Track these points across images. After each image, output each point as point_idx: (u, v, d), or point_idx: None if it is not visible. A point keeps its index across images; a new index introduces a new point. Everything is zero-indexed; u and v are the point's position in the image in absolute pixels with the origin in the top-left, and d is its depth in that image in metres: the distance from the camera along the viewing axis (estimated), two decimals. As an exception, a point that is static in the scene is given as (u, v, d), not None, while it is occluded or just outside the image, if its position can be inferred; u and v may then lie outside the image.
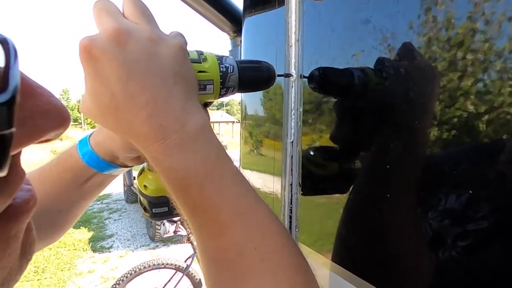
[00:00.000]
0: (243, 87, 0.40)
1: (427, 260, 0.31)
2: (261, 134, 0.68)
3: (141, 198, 0.46)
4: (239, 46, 0.90)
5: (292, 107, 0.49)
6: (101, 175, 0.43)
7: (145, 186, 0.45)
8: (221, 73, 0.37)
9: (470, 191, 0.27)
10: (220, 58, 0.37)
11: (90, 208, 6.19)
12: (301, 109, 0.47)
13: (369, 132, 0.40)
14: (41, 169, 0.44)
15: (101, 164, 0.42)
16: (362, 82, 0.39)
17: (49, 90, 0.16)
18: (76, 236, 4.70)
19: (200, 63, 0.35)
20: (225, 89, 0.38)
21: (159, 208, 0.46)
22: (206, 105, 0.41)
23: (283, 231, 0.29)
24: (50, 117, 0.15)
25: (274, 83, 0.43)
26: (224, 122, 30.97)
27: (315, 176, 0.48)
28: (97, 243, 4.50)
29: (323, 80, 0.45)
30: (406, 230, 0.34)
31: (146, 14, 0.30)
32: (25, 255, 0.18)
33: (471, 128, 0.28)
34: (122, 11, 0.30)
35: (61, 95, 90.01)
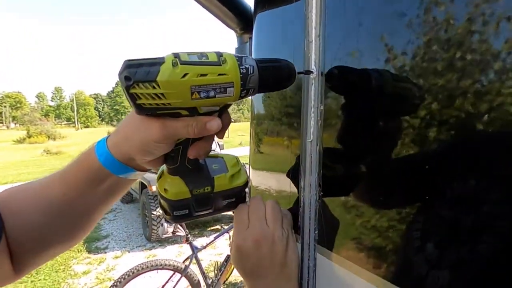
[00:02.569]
0: (264, 87, 0.38)
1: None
2: (272, 133, 0.66)
3: (161, 201, 0.45)
4: (247, 43, 0.88)
5: (312, 105, 0.47)
6: (117, 178, 0.42)
7: (165, 189, 0.43)
8: (241, 75, 0.35)
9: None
10: (239, 59, 0.36)
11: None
12: (322, 107, 0.46)
13: (378, 135, 0.39)
14: (63, 169, 0.43)
15: (117, 166, 0.41)
16: (378, 84, 0.38)
17: None
18: (70, 237, 4.63)
19: (220, 65, 0.34)
20: (245, 90, 0.37)
21: (180, 210, 0.44)
22: (226, 106, 0.40)
23: None
24: None
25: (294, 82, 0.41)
26: (219, 122, 30.86)
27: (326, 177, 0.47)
28: (92, 244, 4.44)
29: (342, 79, 0.43)
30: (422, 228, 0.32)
31: (279, 219, 0.46)
32: None
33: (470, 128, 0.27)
34: (264, 210, 0.46)
35: (53, 93, 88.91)
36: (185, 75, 0.33)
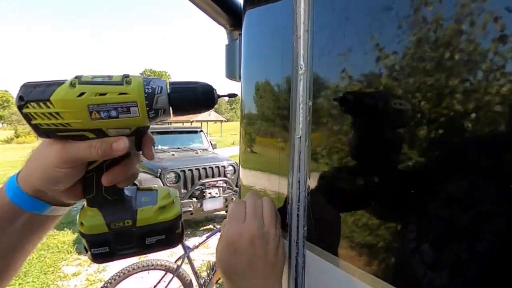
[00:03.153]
0: (178, 108, 0.38)
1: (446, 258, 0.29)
2: (261, 132, 0.65)
3: (82, 237, 0.41)
4: (237, 40, 0.87)
5: (301, 101, 0.46)
6: (31, 214, 0.37)
7: (81, 223, 0.39)
8: (146, 95, 0.35)
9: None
10: (147, 80, 0.36)
11: (75, 208, 5.99)
12: (310, 103, 0.45)
13: (384, 148, 0.38)
14: None
15: (27, 201, 0.36)
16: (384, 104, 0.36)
17: None
18: (60, 238, 4.55)
19: (122, 85, 0.34)
20: (153, 111, 0.36)
21: (99, 248, 0.40)
22: (139, 131, 0.38)
23: None
24: None
25: (216, 103, 0.40)
26: (212, 121, 30.76)
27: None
28: (82, 245, 4.36)
29: (357, 104, 0.41)
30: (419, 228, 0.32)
31: (274, 218, 0.47)
32: None
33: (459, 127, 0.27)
34: (262, 207, 0.47)
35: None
36: (81, 94, 0.32)
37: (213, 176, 4.62)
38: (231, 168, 4.86)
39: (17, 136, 30.09)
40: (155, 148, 5.73)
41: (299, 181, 0.48)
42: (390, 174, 0.36)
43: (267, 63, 0.60)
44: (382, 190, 0.37)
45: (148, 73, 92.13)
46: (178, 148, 5.68)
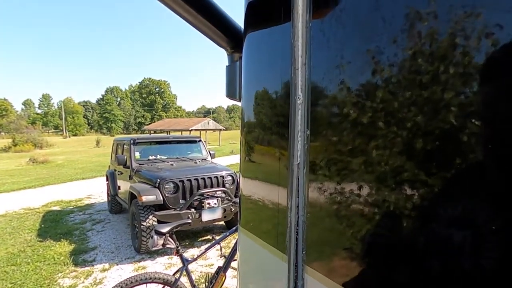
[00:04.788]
0: None
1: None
2: (261, 142, 0.67)
3: None
4: (237, 62, 0.90)
5: (299, 129, 0.49)
6: None
7: None
8: None
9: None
10: None
11: (71, 219, 5.96)
12: (308, 132, 0.48)
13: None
14: None
15: None
16: None
17: None
18: (56, 250, 4.49)
19: None
20: None
21: None
22: None
23: None
24: None
25: None
26: (211, 130, 30.83)
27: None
28: (79, 256, 4.31)
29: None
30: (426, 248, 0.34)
31: None
32: None
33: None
34: None
35: (40, 100, 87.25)
36: None
37: (211, 186, 4.61)
38: (229, 178, 4.86)
39: (15, 145, 29.94)
40: (155, 157, 5.69)
41: (297, 206, 0.50)
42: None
43: (266, 84, 0.63)
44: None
45: (147, 82, 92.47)
46: (177, 158, 5.68)
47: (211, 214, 4.36)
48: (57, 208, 6.93)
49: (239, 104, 0.80)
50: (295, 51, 0.49)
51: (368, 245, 0.40)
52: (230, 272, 2.53)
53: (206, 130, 28.96)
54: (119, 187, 5.79)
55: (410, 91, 0.33)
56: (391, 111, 0.36)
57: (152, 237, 3.82)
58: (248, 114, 0.70)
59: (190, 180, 4.48)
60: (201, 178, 4.58)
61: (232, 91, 0.92)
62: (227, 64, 0.93)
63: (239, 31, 0.86)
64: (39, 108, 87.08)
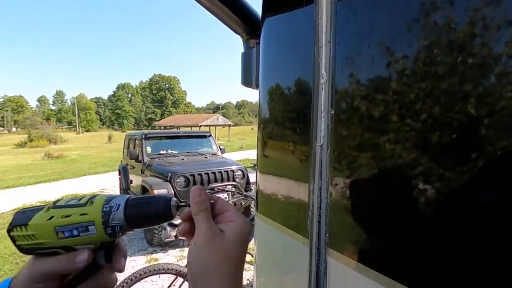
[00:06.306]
0: (132, 223, 0.40)
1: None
2: (279, 137, 0.66)
3: None
4: (253, 48, 0.89)
5: (322, 109, 0.47)
6: None
7: None
8: (103, 213, 0.38)
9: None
10: (109, 199, 0.39)
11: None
12: (332, 112, 0.46)
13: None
14: None
15: None
16: None
17: None
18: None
19: (84, 206, 0.38)
20: (110, 228, 0.38)
21: None
22: (106, 246, 0.40)
23: None
24: None
25: (174, 216, 0.42)
26: (220, 126, 30.91)
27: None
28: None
29: None
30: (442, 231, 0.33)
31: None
32: None
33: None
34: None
35: (54, 97, 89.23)
36: (51, 217, 0.37)
37: (222, 181, 4.64)
38: (240, 172, 4.87)
39: (31, 140, 30.78)
40: (166, 152, 5.71)
41: (320, 188, 0.48)
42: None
43: (287, 70, 0.61)
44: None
45: (157, 78, 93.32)
46: (188, 152, 5.72)
47: (222, 208, 4.38)
48: (71, 201, 7.09)
49: (256, 91, 0.79)
50: (318, 28, 0.48)
51: (395, 226, 0.39)
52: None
53: (215, 125, 29.08)
54: (131, 181, 5.88)
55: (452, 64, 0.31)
56: (422, 92, 0.34)
57: (165, 228, 3.88)
58: (268, 99, 0.69)
59: (200, 174, 4.51)
60: (212, 173, 4.61)
61: (248, 79, 0.90)
62: (243, 51, 0.91)
63: (255, 16, 0.84)
64: (53, 104, 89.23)
